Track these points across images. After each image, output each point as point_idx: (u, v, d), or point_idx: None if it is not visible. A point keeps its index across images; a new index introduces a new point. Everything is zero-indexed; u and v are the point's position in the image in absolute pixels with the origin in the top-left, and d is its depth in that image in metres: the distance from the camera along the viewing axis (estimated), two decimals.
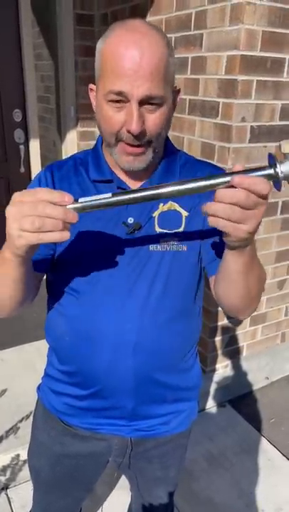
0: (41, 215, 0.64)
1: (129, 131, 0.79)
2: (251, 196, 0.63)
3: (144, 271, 0.89)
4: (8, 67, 2.78)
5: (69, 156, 1.00)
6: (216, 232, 0.93)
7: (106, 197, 0.68)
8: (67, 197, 0.66)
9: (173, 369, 0.98)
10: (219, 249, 0.94)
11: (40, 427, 1.09)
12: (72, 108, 2.91)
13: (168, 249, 0.90)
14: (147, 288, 0.90)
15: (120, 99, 0.78)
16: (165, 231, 0.90)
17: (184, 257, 0.92)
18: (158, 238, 0.90)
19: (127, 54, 0.76)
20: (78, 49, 2.76)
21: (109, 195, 0.68)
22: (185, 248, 0.91)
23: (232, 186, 0.64)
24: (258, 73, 1.80)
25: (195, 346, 1.05)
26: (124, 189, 0.90)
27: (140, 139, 0.81)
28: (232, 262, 0.78)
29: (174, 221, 0.91)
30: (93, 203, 0.68)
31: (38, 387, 1.11)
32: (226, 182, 0.64)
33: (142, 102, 0.78)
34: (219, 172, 0.96)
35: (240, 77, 1.76)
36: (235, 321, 2.28)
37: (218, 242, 0.93)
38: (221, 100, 1.86)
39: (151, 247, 0.89)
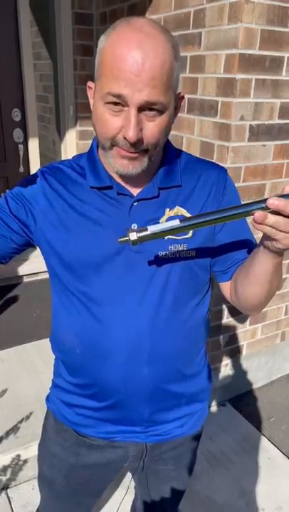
0: None
1: (125, 138, 0.76)
2: None
3: (153, 279, 0.88)
4: (7, 67, 2.78)
5: (59, 161, 0.97)
6: (229, 238, 0.94)
7: (174, 224, 0.71)
8: None
9: (187, 373, 0.98)
10: (235, 256, 0.95)
11: (52, 439, 1.06)
12: (72, 107, 2.91)
13: (177, 256, 0.89)
14: (158, 296, 0.89)
15: (119, 102, 0.74)
16: (173, 237, 0.88)
17: (193, 263, 0.91)
18: (167, 246, 0.88)
19: (128, 55, 0.71)
20: (77, 48, 2.76)
21: (177, 221, 0.71)
22: (194, 254, 0.91)
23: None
24: (256, 72, 1.79)
25: (205, 347, 1.05)
26: (125, 195, 0.87)
27: (137, 147, 0.77)
28: (266, 263, 0.80)
29: None
30: (162, 229, 0.71)
31: (47, 398, 1.09)
32: None
33: (142, 108, 0.74)
34: (222, 171, 0.97)
35: (239, 76, 1.76)
36: (238, 319, 2.28)
37: (233, 248, 0.94)
38: (219, 99, 1.86)
39: (160, 254, 0.88)
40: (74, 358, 0.95)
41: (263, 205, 0.67)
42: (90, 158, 0.92)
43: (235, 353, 2.38)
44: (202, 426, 1.10)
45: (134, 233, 0.70)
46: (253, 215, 0.68)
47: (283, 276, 2.39)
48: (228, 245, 0.95)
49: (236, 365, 2.42)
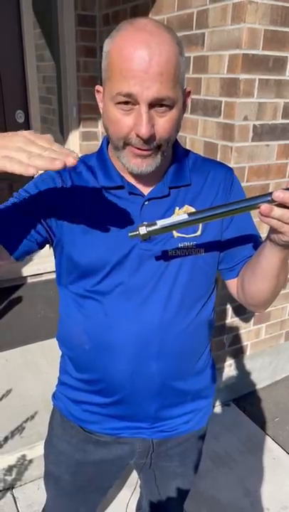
0: (39, 154, 0.63)
1: (138, 136, 0.77)
2: None
3: (163, 276, 0.89)
4: (11, 69, 2.79)
5: None
6: (235, 235, 0.96)
7: (183, 218, 0.72)
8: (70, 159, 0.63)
9: (193, 370, 1.00)
10: (242, 252, 0.96)
11: (59, 436, 1.07)
12: (75, 109, 2.92)
13: (186, 253, 0.90)
14: (167, 293, 0.90)
15: (129, 101, 0.75)
16: (183, 236, 0.90)
17: (202, 261, 0.92)
18: (176, 243, 0.89)
19: (135, 54, 0.73)
20: (80, 50, 2.76)
21: (186, 215, 0.72)
22: (203, 252, 0.92)
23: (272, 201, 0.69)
24: (260, 72, 1.80)
25: (210, 344, 1.06)
26: (136, 194, 0.88)
27: (150, 143, 0.78)
28: (272, 257, 0.81)
29: (191, 226, 0.91)
30: (171, 223, 0.72)
31: (53, 396, 1.09)
32: None
33: (152, 105, 0.75)
34: (229, 170, 0.99)
35: (243, 76, 1.76)
36: (242, 318, 2.28)
37: (239, 245, 0.95)
38: (223, 99, 1.86)
39: (170, 252, 0.89)
40: (82, 354, 0.96)
41: (269, 198, 0.68)
42: (100, 158, 0.92)
43: (239, 352, 2.38)
44: (207, 422, 1.11)
45: (144, 227, 0.72)
46: (259, 208, 0.69)
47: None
48: (235, 243, 0.96)
49: (240, 365, 2.42)
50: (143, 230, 0.71)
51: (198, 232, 0.91)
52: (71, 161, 0.62)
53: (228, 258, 0.97)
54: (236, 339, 2.33)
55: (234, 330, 2.29)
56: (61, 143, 3.15)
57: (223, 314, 2.20)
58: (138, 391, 0.94)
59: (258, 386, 2.55)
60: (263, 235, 0.88)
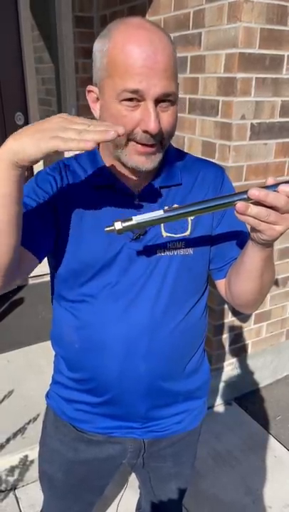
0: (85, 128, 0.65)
1: (146, 131, 0.77)
2: None
3: (151, 276, 0.89)
4: (10, 71, 2.80)
5: (54, 162, 0.95)
6: (225, 237, 0.95)
7: (158, 214, 0.71)
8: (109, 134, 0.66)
9: (184, 370, 0.99)
10: (230, 253, 0.96)
11: (52, 434, 1.07)
12: (74, 110, 2.93)
13: (175, 253, 0.90)
14: (156, 293, 0.90)
15: (135, 97, 0.76)
16: (172, 235, 0.90)
17: (191, 260, 0.92)
18: (165, 243, 0.89)
19: (140, 51, 0.74)
20: (78, 51, 2.77)
21: (161, 212, 0.71)
22: (192, 252, 0.92)
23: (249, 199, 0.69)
24: (257, 71, 1.80)
25: (203, 344, 1.05)
26: (127, 193, 0.89)
27: (156, 139, 0.80)
28: (254, 256, 0.80)
29: (181, 225, 0.91)
30: (147, 219, 0.71)
31: (47, 395, 1.10)
32: (274, 190, 0.68)
33: (157, 100, 0.77)
34: (219, 170, 0.99)
35: (240, 75, 1.76)
36: (242, 317, 2.28)
37: (228, 246, 0.95)
38: (220, 98, 1.86)
39: (159, 251, 0.89)
40: (73, 353, 0.96)
41: (245, 195, 0.67)
42: (90, 156, 0.92)
43: (240, 352, 2.38)
44: (201, 422, 1.11)
45: (119, 222, 0.71)
46: (235, 205, 0.68)
47: (286, 275, 2.39)
48: (225, 243, 0.96)
49: (241, 364, 2.42)
50: (118, 226, 0.71)
51: (188, 232, 0.91)
52: (121, 130, 0.66)
53: (217, 258, 0.97)
54: (237, 338, 2.33)
55: (235, 329, 2.29)
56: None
57: (223, 314, 2.20)
58: (127, 391, 0.94)
59: (260, 385, 2.55)
60: None
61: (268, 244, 0.77)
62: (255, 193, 0.66)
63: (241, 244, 0.96)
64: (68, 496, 1.12)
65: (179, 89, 0.87)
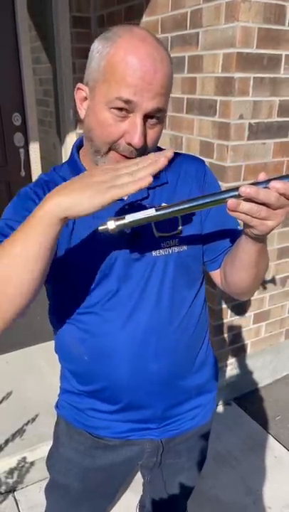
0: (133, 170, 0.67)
1: (129, 144, 0.78)
2: (281, 198, 0.68)
3: (151, 277, 0.90)
4: (7, 72, 2.79)
5: (36, 180, 0.93)
6: (214, 229, 0.97)
7: (150, 212, 0.71)
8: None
9: (194, 364, 1.01)
10: (221, 245, 0.98)
11: (66, 444, 1.06)
12: (71, 110, 2.92)
13: (170, 252, 0.91)
14: (157, 293, 0.91)
15: (125, 108, 0.77)
16: (164, 235, 0.91)
17: (185, 256, 0.93)
18: (159, 243, 0.90)
19: (141, 64, 0.75)
20: (75, 51, 2.77)
21: (153, 210, 0.72)
22: (186, 248, 0.93)
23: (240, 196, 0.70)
24: (254, 70, 1.80)
25: (207, 336, 1.07)
26: (116, 200, 0.88)
27: (137, 152, 0.80)
28: (249, 250, 0.81)
29: (171, 224, 0.92)
30: (139, 217, 0.71)
31: (56, 405, 1.09)
32: (264, 186, 0.68)
33: (146, 116, 0.78)
34: (200, 163, 1.00)
35: (237, 75, 1.76)
36: (241, 318, 2.28)
37: (218, 238, 0.97)
38: (218, 98, 1.86)
39: (154, 252, 0.90)
40: (83, 366, 0.95)
41: (236, 193, 0.68)
42: (72, 167, 0.91)
43: (239, 352, 2.38)
44: (212, 415, 1.12)
45: (112, 221, 0.71)
46: (226, 202, 0.69)
47: (285, 274, 2.39)
48: (214, 235, 0.98)
49: (241, 364, 2.41)
50: (112, 225, 0.71)
51: (179, 229, 0.92)
52: (169, 154, 0.68)
53: (209, 250, 0.99)
54: (236, 338, 2.33)
55: (234, 329, 2.29)
56: (58, 145, 3.15)
57: (223, 313, 2.20)
58: (142, 394, 0.94)
59: (259, 385, 2.55)
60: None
61: (261, 239, 0.78)
62: (246, 190, 0.66)
63: (230, 235, 0.98)
64: (85, 504, 1.11)
65: (168, 107, 0.87)
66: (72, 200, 0.66)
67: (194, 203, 0.71)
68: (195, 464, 1.15)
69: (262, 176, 0.69)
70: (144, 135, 0.79)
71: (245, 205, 0.67)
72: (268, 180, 0.68)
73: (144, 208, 0.89)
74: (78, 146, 0.93)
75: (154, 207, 0.91)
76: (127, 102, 0.76)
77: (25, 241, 0.68)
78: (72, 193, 0.67)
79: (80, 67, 2.79)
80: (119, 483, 1.14)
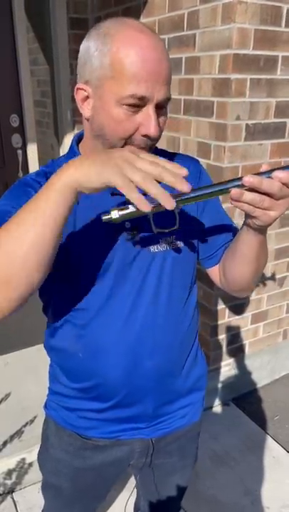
0: (155, 177, 0.63)
1: (145, 135, 0.79)
2: (284, 188, 0.68)
3: (148, 274, 0.90)
4: (4, 73, 2.80)
5: (36, 171, 0.92)
6: (210, 225, 0.98)
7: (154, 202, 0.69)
8: (184, 171, 0.66)
9: (186, 363, 1.01)
10: (218, 240, 0.99)
11: (56, 445, 1.05)
12: (69, 112, 2.93)
13: (168, 248, 0.91)
14: (155, 289, 0.91)
15: (139, 103, 0.77)
16: (162, 230, 0.90)
17: (182, 253, 0.94)
18: (157, 239, 0.90)
19: (148, 57, 0.75)
20: (73, 53, 2.77)
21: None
22: (183, 244, 0.94)
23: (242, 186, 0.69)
24: (251, 71, 1.80)
25: (197, 334, 1.07)
26: (116, 194, 0.87)
27: (152, 141, 0.81)
28: (250, 241, 0.81)
29: (169, 219, 0.91)
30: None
31: (45, 406, 1.09)
32: (267, 176, 0.68)
33: (157, 106, 0.79)
34: (196, 163, 1.01)
35: (234, 76, 1.77)
36: (239, 318, 2.28)
37: (215, 233, 0.97)
38: (215, 99, 1.87)
39: (152, 248, 0.90)
40: (76, 363, 0.95)
41: (239, 182, 0.68)
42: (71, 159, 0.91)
43: (237, 352, 2.38)
44: (201, 414, 1.12)
45: (116, 211, 0.70)
46: (230, 192, 0.69)
47: (283, 275, 2.39)
48: (210, 231, 0.99)
49: (239, 364, 2.42)
50: (115, 214, 0.70)
51: (176, 226, 0.92)
52: (185, 172, 0.66)
53: (206, 247, 1.00)
54: (234, 338, 2.33)
55: (232, 329, 2.29)
56: (56, 146, 3.16)
57: (220, 314, 2.20)
58: (135, 391, 0.94)
59: (257, 385, 2.55)
60: (235, 220, 0.89)
61: (262, 230, 0.78)
62: (249, 179, 0.66)
63: (227, 230, 0.99)
64: (76, 504, 1.11)
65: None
66: (82, 172, 0.65)
67: (197, 193, 0.70)
68: (187, 464, 1.14)
69: (265, 167, 0.69)
70: (159, 124, 0.80)
71: (249, 195, 0.67)
72: (271, 171, 0.68)
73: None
74: (78, 140, 0.93)
75: (154, 203, 0.92)
76: (141, 98, 0.76)
77: (37, 213, 0.66)
78: (82, 166, 0.66)
79: (77, 68, 2.79)
80: (111, 484, 1.13)
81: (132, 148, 0.72)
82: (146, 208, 0.63)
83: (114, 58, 0.75)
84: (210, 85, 1.88)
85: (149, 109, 0.77)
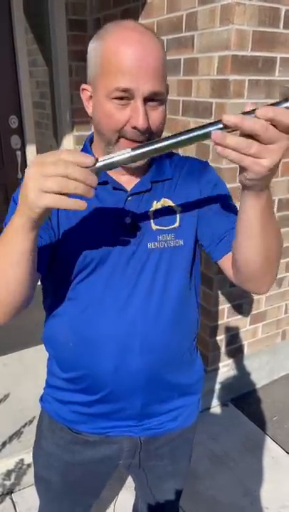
0: (63, 175, 0.61)
1: (135, 128, 0.81)
2: (270, 128, 0.58)
3: (144, 270, 0.91)
4: (3, 75, 2.80)
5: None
6: (215, 215, 0.95)
7: (125, 152, 0.66)
8: (90, 159, 0.63)
9: (179, 364, 1.00)
10: (225, 227, 0.92)
11: (48, 438, 1.07)
12: (68, 113, 2.93)
13: (165, 246, 0.92)
14: (149, 286, 0.91)
15: (125, 96, 0.80)
16: (161, 228, 0.92)
17: (181, 251, 0.94)
18: (155, 236, 0.91)
19: (131, 51, 0.78)
20: (72, 54, 2.78)
21: (129, 150, 0.66)
22: (182, 243, 0.93)
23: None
24: (249, 73, 1.81)
25: (195, 338, 1.06)
26: (119, 189, 0.91)
27: (145, 135, 0.82)
28: (249, 208, 0.71)
29: (169, 218, 0.93)
30: (114, 160, 0.66)
31: (41, 399, 1.10)
32: (253, 116, 0.60)
33: (146, 99, 0.80)
34: (205, 163, 1.01)
35: (232, 77, 1.77)
36: (238, 318, 2.29)
37: (220, 223, 0.93)
38: (214, 100, 1.87)
39: (150, 245, 0.91)
40: (67, 352, 0.96)
41: (221, 124, 0.60)
42: None
43: (236, 352, 2.39)
44: (196, 419, 1.11)
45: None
46: (211, 136, 0.61)
47: (282, 275, 2.39)
48: (217, 221, 0.93)
49: (237, 365, 2.42)
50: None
51: (177, 224, 0.93)
52: (93, 182, 0.64)
53: (214, 236, 0.94)
54: (233, 339, 2.33)
55: (231, 330, 2.30)
56: (55, 147, 3.16)
57: (220, 315, 2.21)
58: (123, 386, 0.94)
59: (256, 386, 2.55)
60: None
61: (260, 188, 0.67)
62: (228, 118, 0.58)
63: (231, 216, 0.92)
64: (65, 499, 1.11)
65: (168, 92, 0.89)
66: (23, 213, 0.67)
67: (175, 139, 0.65)
68: (179, 468, 1.14)
69: (248, 106, 0.61)
70: (147, 117, 0.81)
71: (233, 139, 0.59)
72: (255, 110, 0.59)
73: (146, 201, 0.92)
74: (90, 140, 0.97)
75: (156, 199, 0.92)
76: (125, 90, 0.79)
77: (6, 250, 0.73)
78: (19, 209, 0.68)
79: (76, 69, 2.80)
80: (101, 482, 1.13)
81: (38, 159, 0.65)
82: (80, 206, 0.63)
83: (103, 56, 0.81)
84: (208, 86, 1.88)
85: (137, 102, 0.80)
